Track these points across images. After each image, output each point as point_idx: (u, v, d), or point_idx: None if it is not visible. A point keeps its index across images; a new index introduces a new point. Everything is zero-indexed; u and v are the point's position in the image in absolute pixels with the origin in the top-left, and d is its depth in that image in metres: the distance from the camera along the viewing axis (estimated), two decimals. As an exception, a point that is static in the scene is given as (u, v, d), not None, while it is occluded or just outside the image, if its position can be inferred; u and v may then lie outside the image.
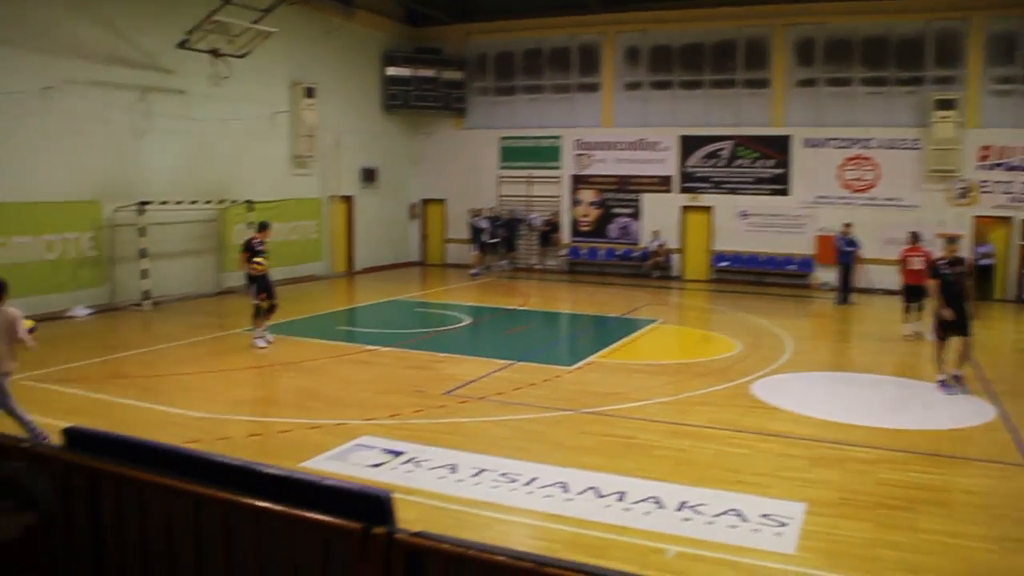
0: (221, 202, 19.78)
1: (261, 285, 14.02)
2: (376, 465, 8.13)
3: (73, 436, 4.17)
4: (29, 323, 8.16)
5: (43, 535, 3.81)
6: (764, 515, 6.93)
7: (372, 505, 3.23)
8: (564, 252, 26.50)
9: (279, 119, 22.08)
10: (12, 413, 8.11)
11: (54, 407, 9.61)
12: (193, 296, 19.16)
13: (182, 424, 9.43)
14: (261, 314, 14.02)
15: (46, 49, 16.00)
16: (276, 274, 16.91)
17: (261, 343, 13.95)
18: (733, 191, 24.29)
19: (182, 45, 17.76)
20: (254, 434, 9.27)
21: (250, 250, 14.07)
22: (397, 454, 8.42)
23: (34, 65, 15.78)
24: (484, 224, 25.61)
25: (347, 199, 25.05)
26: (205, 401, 10.54)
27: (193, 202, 18.74)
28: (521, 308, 19.76)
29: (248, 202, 20.17)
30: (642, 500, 7.26)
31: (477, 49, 27.28)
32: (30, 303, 15.88)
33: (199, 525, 3.60)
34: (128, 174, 17.82)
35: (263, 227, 14.69)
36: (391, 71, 26.28)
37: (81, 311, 16.75)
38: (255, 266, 13.88)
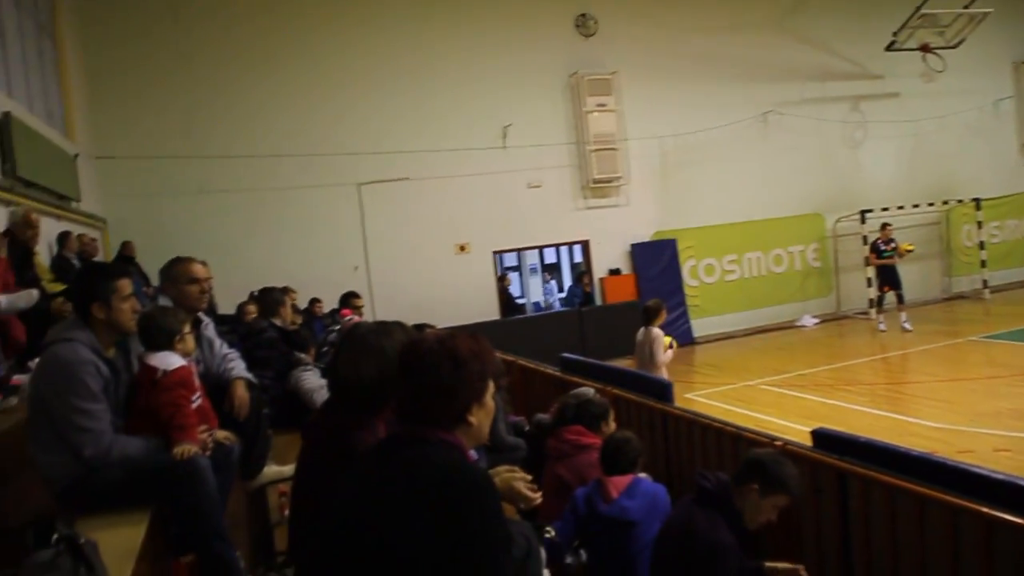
0: (945, 203, 18.76)
1: (886, 279, 15.66)
2: None
3: (820, 437, 4.33)
4: (667, 340, 8.45)
5: (795, 519, 3.95)
6: None
7: None
8: None
9: (1003, 106, 20.16)
10: None
11: (791, 410, 10.10)
12: (919, 302, 18.48)
13: (919, 433, 9.06)
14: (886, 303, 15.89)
15: (762, 78, 17.21)
16: (1010, 276, 19.44)
17: (882, 326, 15.72)
18: None
19: (890, 47, 17.40)
20: (1002, 449, 8.45)
21: (876, 251, 15.76)
22: None
23: (752, 94, 17.07)
24: None
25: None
26: (942, 411, 9.98)
27: (915, 206, 18.12)
28: None
29: (975, 200, 18.78)
30: None
31: None
32: (761, 315, 17.26)
33: (957, 536, 3.37)
34: (847, 184, 18.10)
35: (884, 227, 15.86)
36: None
37: (809, 320, 17.44)
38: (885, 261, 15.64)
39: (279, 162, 13.72)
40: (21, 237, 6.59)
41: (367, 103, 14.48)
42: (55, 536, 2.40)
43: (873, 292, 16.70)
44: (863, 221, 17.35)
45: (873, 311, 16.80)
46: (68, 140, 11.21)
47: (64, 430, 3.24)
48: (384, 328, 2.75)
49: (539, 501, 2.82)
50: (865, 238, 17.10)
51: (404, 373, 2.10)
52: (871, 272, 16.71)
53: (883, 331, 15.73)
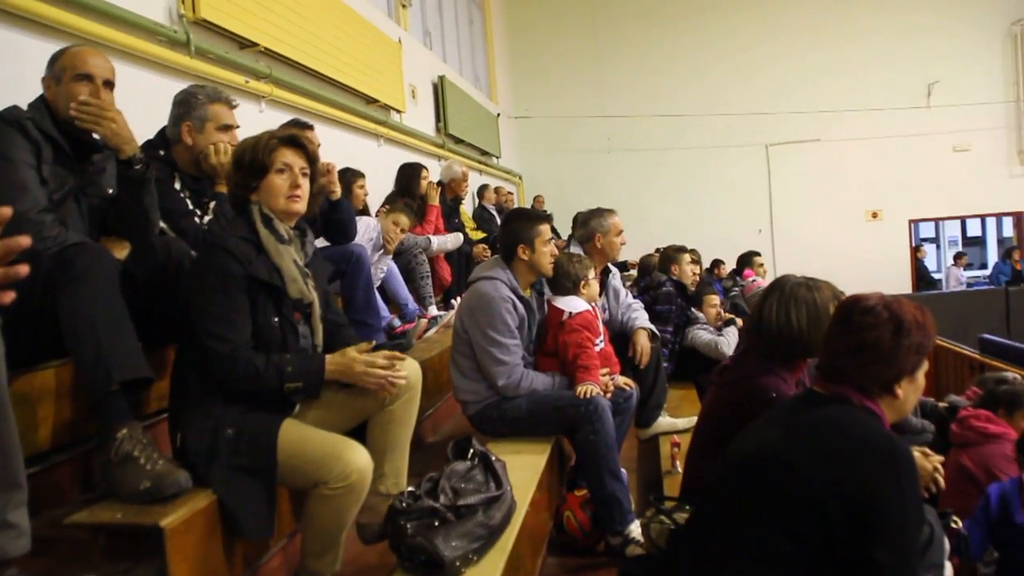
0: None
1: None
2: None
3: None
4: None
5: None
6: None
7: None
8: None
9: None
10: None
11: None
12: None
13: None
14: None
15: None
16: None
17: None
18: None
19: None
20: None
21: None
22: None
23: None
24: None
25: None
26: None
27: None
28: None
29: None
30: None
31: None
32: None
33: None
34: None
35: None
36: None
37: None
38: None
39: (685, 121, 13.79)
40: (452, 188, 7.29)
41: (778, 61, 14.03)
42: (471, 451, 2.63)
43: None
44: None
45: None
46: (491, 101, 12.18)
47: (482, 360, 3.52)
48: (814, 283, 2.69)
49: (943, 485, 2.58)
50: None
51: (841, 329, 2.00)
52: None
53: None
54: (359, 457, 2.21)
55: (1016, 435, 4.04)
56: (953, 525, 2.87)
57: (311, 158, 2.47)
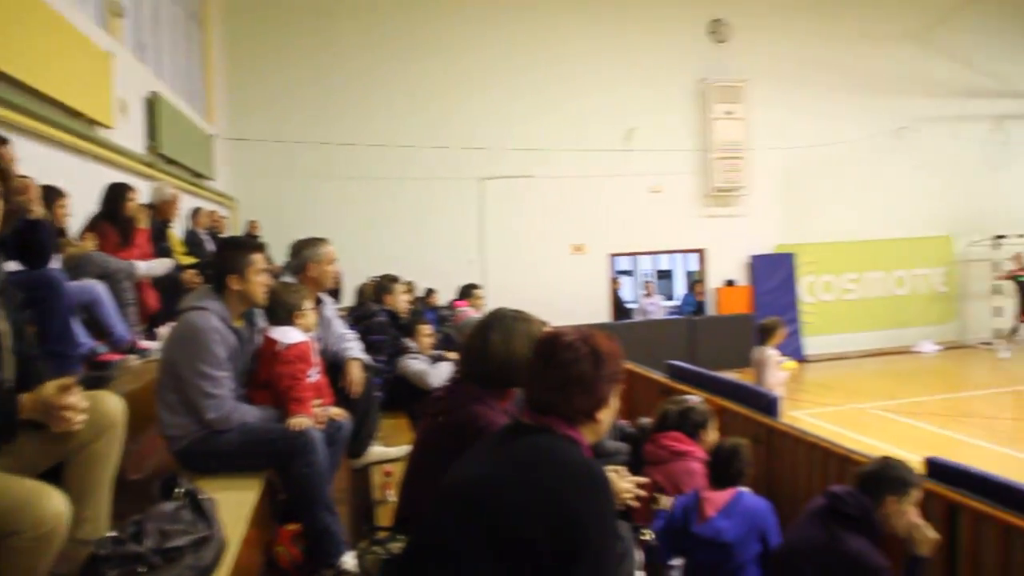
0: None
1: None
2: None
3: (934, 466, 4.23)
4: (790, 365, 8.00)
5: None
6: None
7: None
8: None
9: None
10: None
11: (901, 438, 9.74)
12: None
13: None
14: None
15: (897, 92, 16.63)
16: None
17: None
18: None
19: (1043, 66, 16.58)
20: None
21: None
22: None
23: (886, 108, 16.51)
24: None
25: None
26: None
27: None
28: None
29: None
30: None
31: None
32: (877, 337, 16.69)
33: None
34: (982, 207, 17.24)
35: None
36: None
37: (929, 346, 16.75)
38: None
39: (405, 152, 14.03)
40: (163, 210, 6.96)
41: (494, 100, 14.66)
42: (178, 490, 2.56)
43: (1005, 322, 16.08)
44: (996, 247, 16.57)
45: (997, 340, 16.12)
46: (207, 121, 11.75)
47: (190, 393, 3.43)
48: (523, 315, 2.88)
49: (638, 505, 2.85)
50: (997, 265, 16.40)
51: (545, 364, 2.12)
52: (1004, 300, 16.07)
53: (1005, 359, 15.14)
54: (55, 503, 2.03)
55: (703, 453, 4.53)
56: (643, 537, 3.18)
57: (4, 175, 2.32)
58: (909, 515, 3.51)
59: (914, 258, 17.08)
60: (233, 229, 11.64)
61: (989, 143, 17.35)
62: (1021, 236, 16.49)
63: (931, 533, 3.49)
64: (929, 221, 17.11)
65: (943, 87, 17.04)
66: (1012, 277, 15.55)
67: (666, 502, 4.03)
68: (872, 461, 3.78)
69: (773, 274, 16.15)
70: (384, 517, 3.68)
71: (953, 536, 3.86)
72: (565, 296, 14.52)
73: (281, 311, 3.83)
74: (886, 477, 3.56)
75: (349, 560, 3.35)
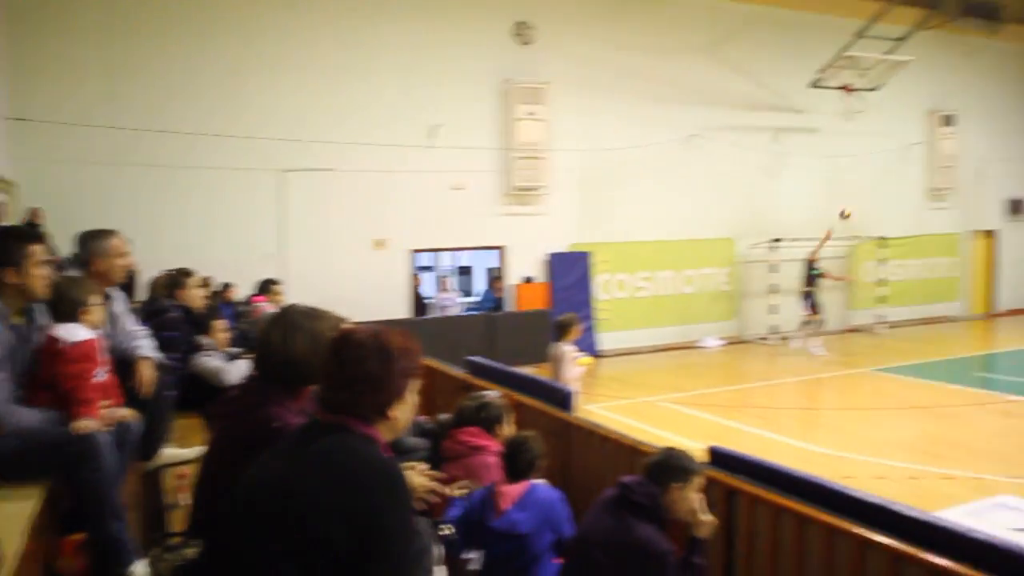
0: (854, 238, 19.41)
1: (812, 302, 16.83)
2: (1022, 529, 7.17)
3: (716, 454, 4.52)
4: (584, 358, 8.42)
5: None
6: None
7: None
8: None
9: (913, 151, 21.04)
10: None
11: (689, 428, 10.38)
12: (821, 333, 19.15)
13: (805, 458, 9.42)
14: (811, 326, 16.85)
15: (690, 102, 17.66)
16: (906, 313, 20.63)
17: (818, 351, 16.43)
18: None
19: (814, 84, 18.01)
20: (879, 476, 8.88)
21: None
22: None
23: (679, 116, 17.49)
24: None
25: (989, 233, 22.80)
26: (827, 437, 10.43)
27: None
28: None
29: (880, 238, 19.62)
30: None
31: None
32: (667, 333, 17.67)
33: (832, 556, 3.57)
34: (762, 212, 18.63)
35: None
36: (1046, 89, 23.28)
37: (712, 342, 17.89)
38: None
39: (202, 140, 13.39)
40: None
41: (299, 91, 14.26)
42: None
43: (779, 318, 17.51)
44: (773, 249, 17.93)
45: (772, 337, 17.48)
46: (-21, 98, 10.80)
47: (-40, 395, 3.16)
48: (317, 313, 2.81)
49: (437, 500, 2.89)
50: (774, 266, 17.75)
51: (334, 361, 2.14)
52: (778, 299, 17.44)
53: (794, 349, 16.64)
54: None
55: (499, 447, 4.63)
56: (443, 532, 3.22)
57: None
58: (691, 500, 3.73)
59: (702, 258, 18.19)
60: (11, 216, 10.75)
61: (768, 153, 18.71)
62: (795, 240, 17.90)
63: (708, 517, 3.74)
64: (715, 224, 18.25)
65: (729, 99, 18.21)
66: (811, 271, 16.92)
67: (465, 489, 4.09)
68: (657, 452, 3.99)
69: (570, 272, 16.69)
70: (177, 522, 3.54)
71: (731, 518, 4.16)
72: (367, 291, 14.38)
73: (65, 307, 3.60)
74: (669, 466, 3.75)
75: (140, 569, 3.20)
